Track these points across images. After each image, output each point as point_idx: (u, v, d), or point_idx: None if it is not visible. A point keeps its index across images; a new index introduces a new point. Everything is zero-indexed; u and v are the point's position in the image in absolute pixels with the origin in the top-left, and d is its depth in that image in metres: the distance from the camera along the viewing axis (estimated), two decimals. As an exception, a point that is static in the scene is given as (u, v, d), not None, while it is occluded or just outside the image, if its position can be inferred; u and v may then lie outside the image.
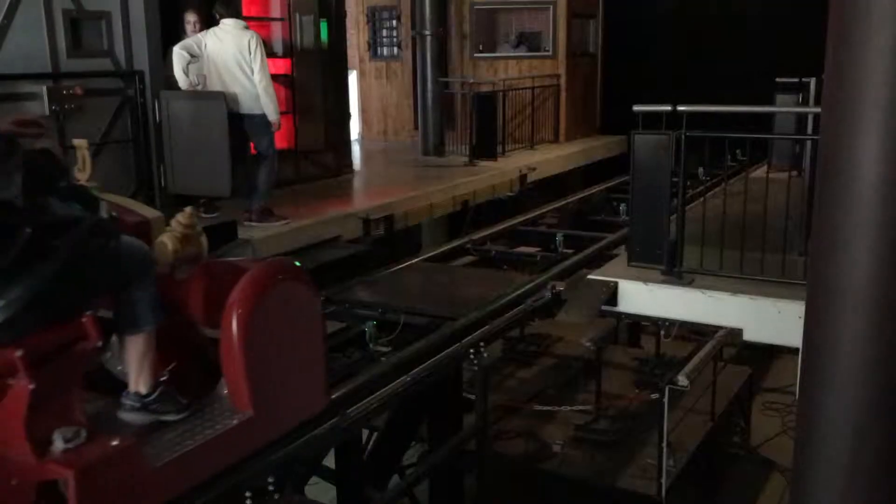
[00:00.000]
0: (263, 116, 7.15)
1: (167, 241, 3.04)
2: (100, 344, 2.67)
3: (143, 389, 2.89)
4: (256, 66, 7.02)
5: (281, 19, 9.52)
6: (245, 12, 8.82)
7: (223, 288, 2.98)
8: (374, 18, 14.41)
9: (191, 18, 7.63)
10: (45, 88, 6.39)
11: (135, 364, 2.87)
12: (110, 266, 2.74)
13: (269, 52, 8.43)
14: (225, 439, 2.85)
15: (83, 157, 3.27)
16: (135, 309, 2.81)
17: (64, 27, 6.60)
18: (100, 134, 6.96)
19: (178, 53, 7.03)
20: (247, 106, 7.11)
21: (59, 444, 2.49)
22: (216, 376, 3.05)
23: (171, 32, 7.65)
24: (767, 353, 8.58)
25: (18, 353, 2.40)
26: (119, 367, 3.00)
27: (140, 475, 2.63)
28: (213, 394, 3.02)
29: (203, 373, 3.14)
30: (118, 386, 2.98)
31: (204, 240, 3.19)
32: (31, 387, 2.43)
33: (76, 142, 3.36)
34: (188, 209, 3.17)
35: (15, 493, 2.41)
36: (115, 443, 2.61)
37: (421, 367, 4.57)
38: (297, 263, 3.38)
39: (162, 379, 2.95)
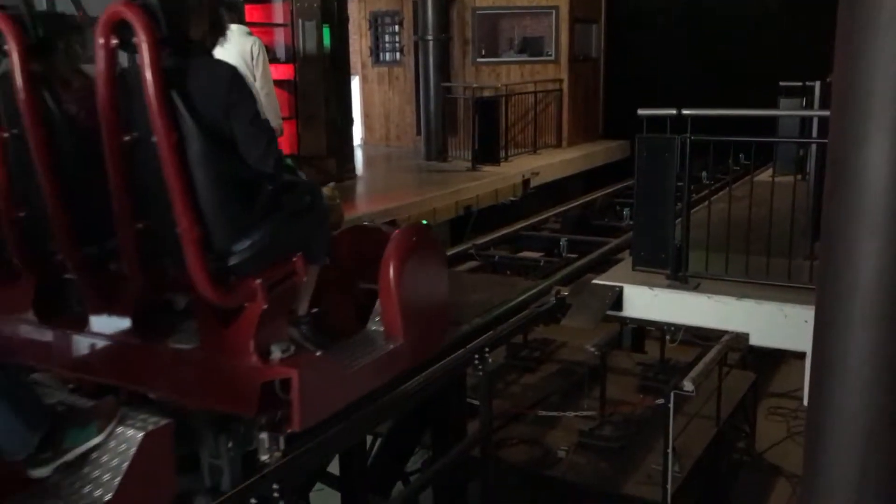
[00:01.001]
0: (266, 122, 7.13)
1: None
2: (305, 279, 3.42)
3: (300, 311, 3.67)
4: (259, 72, 7.00)
5: (284, 25, 9.52)
6: (248, 17, 8.80)
7: (370, 246, 3.86)
8: (376, 24, 14.42)
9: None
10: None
11: (301, 294, 3.62)
12: (315, 217, 3.48)
13: (272, 58, 8.42)
14: (385, 359, 3.68)
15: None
16: (315, 246, 3.50)
17: (66, 33, 6.60)
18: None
19: None
20: (250, 111, 7.09)
21: (276, 354, 3.19)
22: (363, 316, 3.90)
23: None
24: (772, 358, 8.54)
25: (258, 282, 3.11)
26: None
27: (336, 378, 3.42)
28: (367, 328, 3.83)
29: (351, 312, 4.05)
30: None
31: (342, 210, 4.36)
32: (265, 307, 3.12)
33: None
34: (331, 184, 4.11)
35: (246, 392, 3.11)
36: (318, 353, 3.47)
37: (424, 373, 4.54)
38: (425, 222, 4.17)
39: (313, 311, 3.75)
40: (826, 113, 2.94)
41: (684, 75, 12.98)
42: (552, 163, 12.48)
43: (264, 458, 3.31)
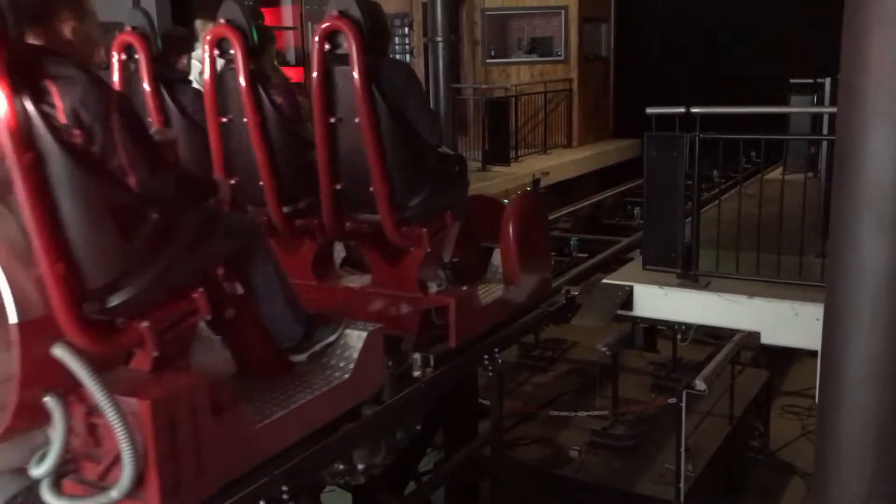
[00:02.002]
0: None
1: None
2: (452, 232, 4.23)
3: (444, 259, 4.36)
4: None
5: (293, 28, 9.56)
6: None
7: (489, 211, 4.74)
8: (385, 25, 14.44)
9: (200, 27, 7.66)
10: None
11: (447, 244, 4.30)
12: (461, 183, 4.35)
13: (282, 61, 8.46)
14: (504, 299, 4.52)
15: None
16: (459, 206, 4.20)
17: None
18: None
19: (194, 65, 7.07)
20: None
21: (433, 288, 4.10)
22: (482, 267, 4.83)
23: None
24: (785, 356, 8.48)
25: (424, 230, 3.93)
26: None
27: (478, 308, 4.30)
28: (487, 275, 4.74)
29: (474, 264, 4.86)
30: None
31: None
32: (428, 250, 3.96)
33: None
34: None
35: (410, 317, 4.02)
36: (464, 287, 4.32)
37: (435, 372, 4.54)
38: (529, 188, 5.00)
39: (447, 260, 4.42)
40: (834, 109, 2.93)
41: (695, 73, 12.94)
42: (562, 162, 12.46)
43: (417, 373, 3.98)
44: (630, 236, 8.30)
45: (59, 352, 2.48)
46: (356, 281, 4.31)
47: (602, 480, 6.01)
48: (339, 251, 4.60)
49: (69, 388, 2.58)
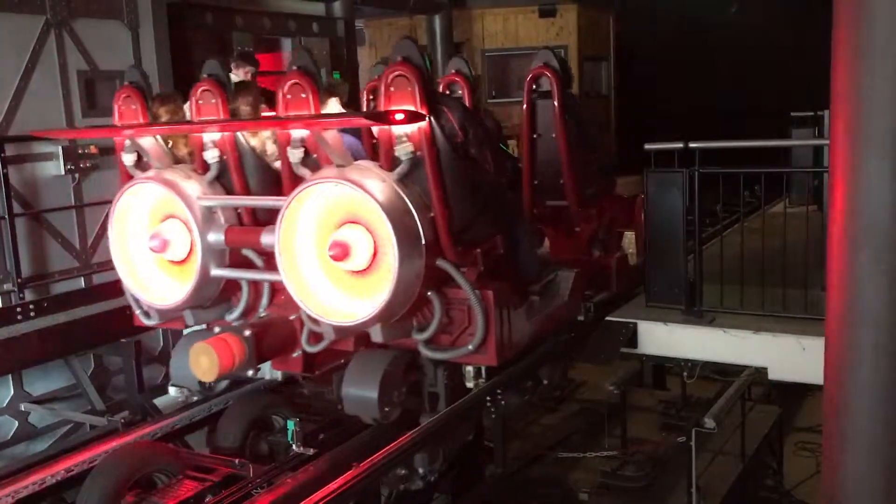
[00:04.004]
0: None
1: None
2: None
3: (600, 235, 5.93)
4: None
5: (295, 73, 9.62)
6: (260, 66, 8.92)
7: (621, 206, 6.38)
8: (388, 68, 14.54)
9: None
10: (60, 148, 6.46)
11: (603, 224, 5.95)
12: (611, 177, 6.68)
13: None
14: (636, 266, 6.06)
15: None
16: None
17: (79, 87, 6.70)
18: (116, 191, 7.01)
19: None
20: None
21: (595, 252, 5.75)
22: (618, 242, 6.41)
23: (185, 89, 7.74)
24: (798, 391, 8.35)
25: (594, 212, 5.80)
26: None
27: (629, 267, 6.00)
28: (622, 245, 6.39)
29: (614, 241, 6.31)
30: None
31: None
32: (594, 226, 5.81)
33: None
34: None
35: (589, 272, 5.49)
36: (618, 254, 6.07)
37: (436, 416, 4.47)
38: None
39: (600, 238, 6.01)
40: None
41: (697, 109, 12.94)
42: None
43: (469, 385, 4.48)
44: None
45: (442, 263, 4.03)
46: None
47: (613, 524, 5.89)
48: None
49: (440, 287, 4.12)
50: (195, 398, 5.11)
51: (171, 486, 4.22)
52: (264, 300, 4.53)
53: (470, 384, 4.44)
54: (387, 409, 4.19)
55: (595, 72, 14.35)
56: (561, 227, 5.75)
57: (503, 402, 4.84)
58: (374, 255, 3.88)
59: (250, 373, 4.35)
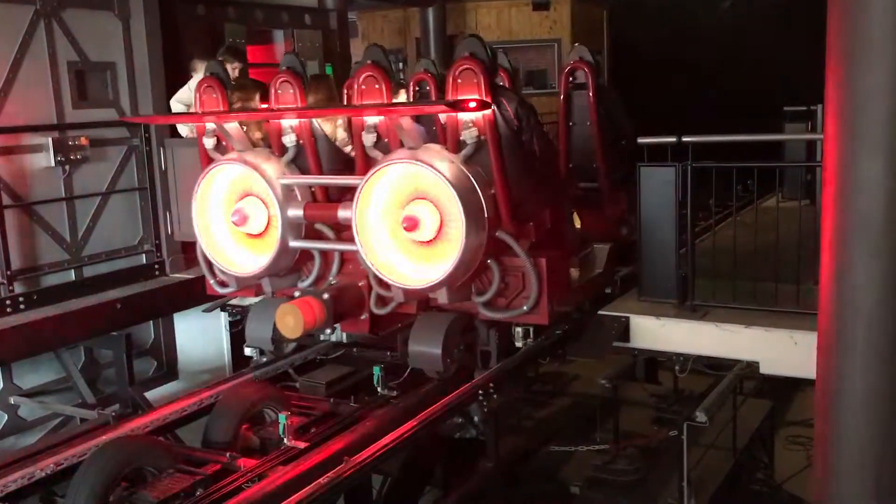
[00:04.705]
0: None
1: None
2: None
3: (627, 215, 6.30)
4: None
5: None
6: (250, 59, 8.88)
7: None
8: (380, 61, 14.49)
9: (198, 67, 7.68)
10: (50, 140, 6.42)
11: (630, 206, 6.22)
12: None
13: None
14: None
15: None
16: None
17: (69, 79, 6.66)
18: (106, 183, 6.99)
19: (175, 107, 7.10)
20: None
21: (623, 231, 6.24)
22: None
23: (176, 81, 7.69)
24: (789, 386, 8.38)
25: (623, 194, 6.28)
26: None
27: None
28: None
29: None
30: None
31: None
32: (622, 207, 6.32)
33: None
34: None
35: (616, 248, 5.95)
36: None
37: (429, 410, 4.47)
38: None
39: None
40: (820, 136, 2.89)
41: (693, 104, 12.93)
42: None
43: (518, 344, 4.97)
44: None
45: (502, 234, 4.52)
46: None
47: (604, 517, 5.90)
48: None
49: (497, 255, 4.61)
50: (264, 360, 5.59)
51: (161, 480, 4.19)
52: (334, 269, 5.07)
53: (519, 343, 4.97)
54: (448, 362, 4.67)
55: (589, 66, 14.25)
56: (592, 207, 6.24)
57: (495, 396, 4.83)
58: (440, 227, 4.42)
59: (327, 332, 5.16)
